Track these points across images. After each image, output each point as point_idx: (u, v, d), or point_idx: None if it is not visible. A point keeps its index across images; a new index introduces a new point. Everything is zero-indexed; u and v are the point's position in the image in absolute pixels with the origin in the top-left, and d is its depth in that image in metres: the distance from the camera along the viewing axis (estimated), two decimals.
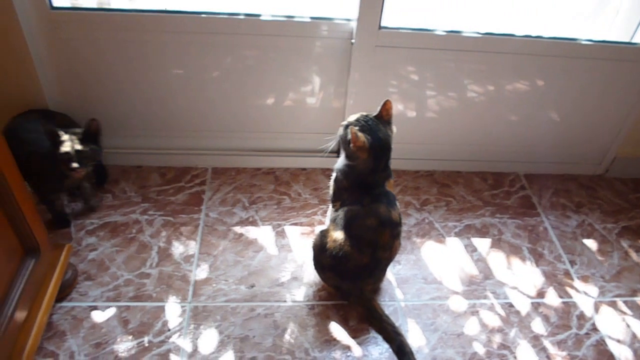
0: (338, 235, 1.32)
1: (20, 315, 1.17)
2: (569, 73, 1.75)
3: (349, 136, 1.26)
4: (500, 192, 1.88)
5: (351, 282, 1.38)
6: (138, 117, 1.75)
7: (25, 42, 1.48)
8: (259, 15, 1.57)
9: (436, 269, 1.58)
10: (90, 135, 1.45)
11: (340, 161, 1.37)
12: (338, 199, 1.37)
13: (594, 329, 1.46)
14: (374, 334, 1.38)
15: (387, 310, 1.42)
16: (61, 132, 1.43)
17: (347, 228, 1.31)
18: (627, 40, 1.76)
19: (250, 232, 1.63)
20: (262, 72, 1.69)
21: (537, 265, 1.63)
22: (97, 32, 1.57)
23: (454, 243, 1.67)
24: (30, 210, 1.21)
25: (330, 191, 1.41)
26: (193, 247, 1.57)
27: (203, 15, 1.56)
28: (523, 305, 1.51)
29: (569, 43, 1.69)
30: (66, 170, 1.43)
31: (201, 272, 1.50)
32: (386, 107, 1.32)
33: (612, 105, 1.85)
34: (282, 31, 1.61)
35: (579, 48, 1.70)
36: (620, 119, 1.88)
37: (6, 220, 1.15)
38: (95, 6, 1.71)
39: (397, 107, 1.79)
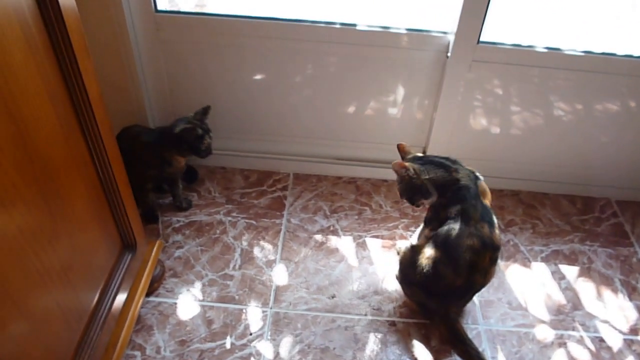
0: (432, 252, 1.27)
1: (117, 307, 1.21)
2: None
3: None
4: (590, 218, 1.79)
5: (438, 302, 1.35)
6: (226, 119, 1.78)
7: (130, 43, 1.53)
8: (355, 25, 1.57)
9: (521, 294, 1.52)
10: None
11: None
12: (435, 220, 1.32)
13: None
14: (456, 357, 1.35)
15: (470, 334, 1.38)
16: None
17: (444, 246, 1.25)
18: None
19: (331, 241, 1.63)
20: (346, 81, 1.69)
21: (631, 300, 1.54)
22: (194, 36, 1.61)
23: (540, 268, 1.60)
24: (131, 206, 1.26)
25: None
26: (275, 252, 1.58)
27: (301, 24, 1.57)
28: (615, 341, 1.42)
29: None
30: (200, 144, 1.52)
31: (282, 278, 1.51)
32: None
33: None
34: (376, 41, 1.59)
35: None
36: None
37: (111, 216, 1.20)
38: (193, 10, 1.76)
39: (481, 123, 1.75)
